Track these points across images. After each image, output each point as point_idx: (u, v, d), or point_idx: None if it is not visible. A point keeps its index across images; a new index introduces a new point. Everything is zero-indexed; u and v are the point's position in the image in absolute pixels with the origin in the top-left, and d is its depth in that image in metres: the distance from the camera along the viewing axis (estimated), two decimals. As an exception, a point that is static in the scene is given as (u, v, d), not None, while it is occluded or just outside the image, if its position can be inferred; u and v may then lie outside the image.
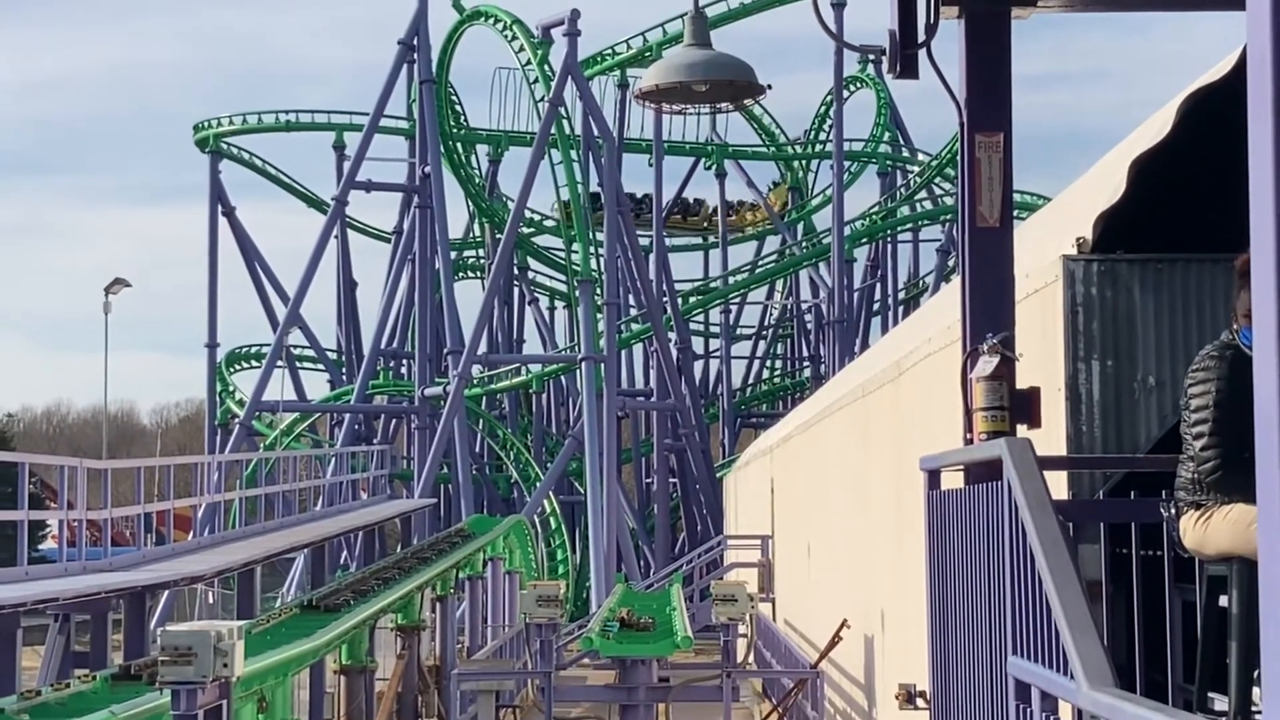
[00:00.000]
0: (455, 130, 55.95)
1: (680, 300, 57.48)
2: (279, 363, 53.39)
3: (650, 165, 58.48)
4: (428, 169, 52.40)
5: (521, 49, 51.78)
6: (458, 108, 56.98)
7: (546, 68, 50.54)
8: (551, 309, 64.03)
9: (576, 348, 50.29)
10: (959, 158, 7.45)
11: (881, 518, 14.99)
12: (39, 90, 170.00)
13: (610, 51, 55.90)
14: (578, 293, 48.94)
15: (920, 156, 62.61)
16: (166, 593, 41.19)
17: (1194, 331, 8.27)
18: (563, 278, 57.66)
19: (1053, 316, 8.51)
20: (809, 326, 64.79)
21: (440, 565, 26.15)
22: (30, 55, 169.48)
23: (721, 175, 63.48)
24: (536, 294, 63.03)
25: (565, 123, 49.93)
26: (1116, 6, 8.37)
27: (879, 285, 62.62)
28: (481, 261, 60.57)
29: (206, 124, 58.32)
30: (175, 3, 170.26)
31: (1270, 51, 2.35)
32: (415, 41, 53.12)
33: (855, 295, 60.19)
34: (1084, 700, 4.52)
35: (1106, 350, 8.38)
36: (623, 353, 55.61)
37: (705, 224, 65.69)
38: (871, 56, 56.83)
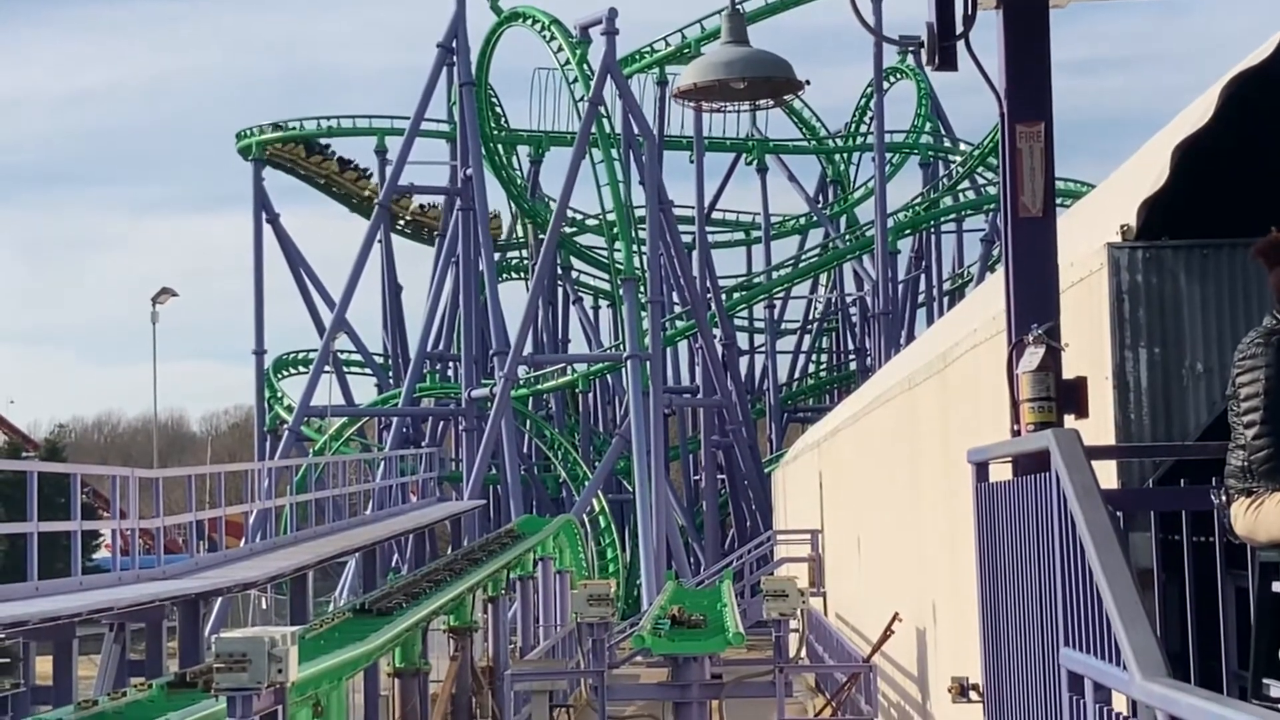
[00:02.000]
0: (496, 132, 56.05)
1: (724, 296, 57.43)
2: (326, 368, 53.59)
3: (691, 162, 58.48)
4: (469, 171, 52.52)
5: (560, 49, 51.83)
6: (498, 109, 57.10)
7: (585, 67, 50.57)
8: (596, 308, 64.07)
9: (621, 346, 50.31)
10: (1000, 148, 7.42)
11: (931, 510, 14.95)
12: (82, 101, 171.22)
13: (649, 49, 55.89)
14: (621, 291, 48.97)
15: (962, 146, 62.39)
16: (220, 599, 41.33)
17: (1241, 316, 8.22)
18: (606, 277, 57.72)
19: (1099, 305, 8.47)
20: (854, 319, 64.67)
21: (491, 566, 26.21)
22: (73, 66, 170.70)
23: (763, 171, 63.40)
24: (580, 293, 63.09)
25: (605, 122, 49.94)
26: (1155, -8, 8.32)
27: (923, 276, 62.45)
28: (525, 262, 60.67)
29: (249, 132, 58.62)
30: (215, 11, 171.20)
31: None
32: (454, 44, 53.23)
33: (900, 287, 60.04)
34: (1137, 691, 4.51)
35: (1154, 338, 8.34)
36: (668, 350, 55.59)
37: None
38: (911, 48, 56.96)
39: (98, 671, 17.74)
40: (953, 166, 62.32)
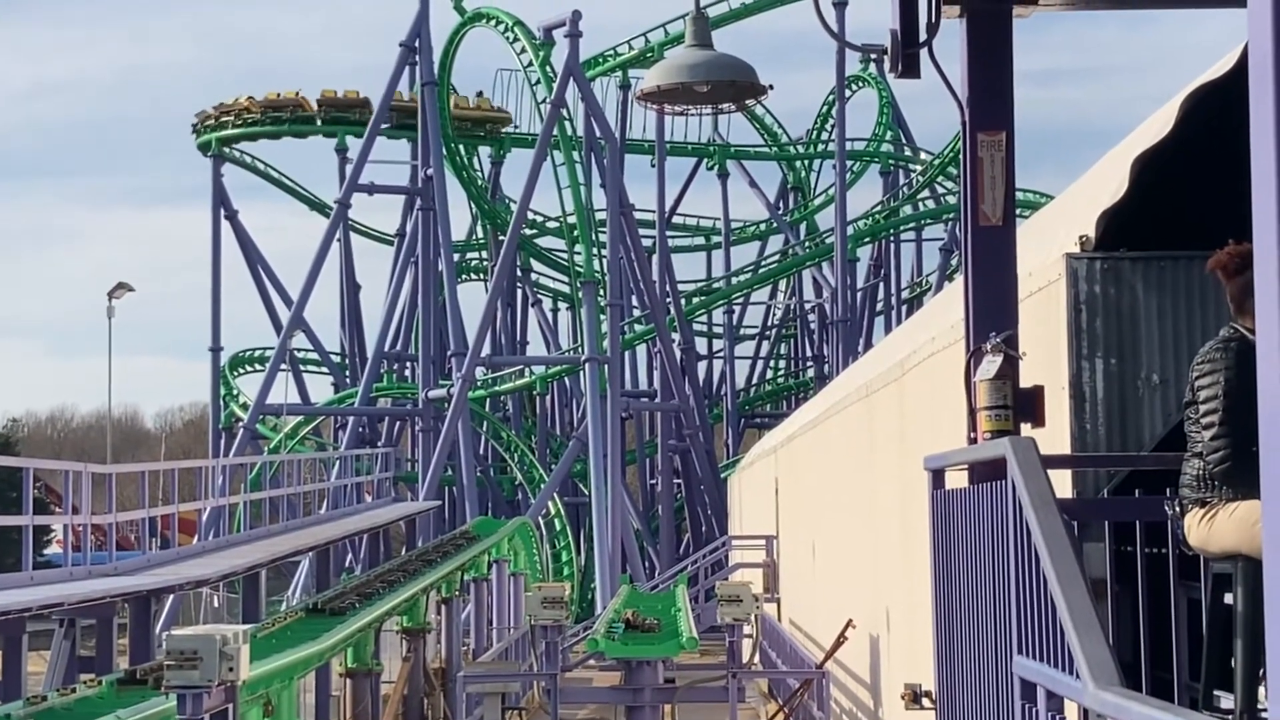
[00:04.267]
0: (457, 132, 55.95)
1: (683, 301, 57.45)
2: (283, 366, 53.39)
3: (653, 166, 58.48)
4: (430, 171, 52.42)
5: (523, 50, 51.77)
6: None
7: (548, 69, 50.53)
8: (555, 310, 64.00)
9: (580, 349, 50.25)
10: (961, 156, 7.44)
11: (886, 517, 14.98)
12: (43, 92, 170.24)
13: (612, 52, 55.89)
14: (581, 294, 48.92)
15: (923, 155, 62.57)
16: (172, 597, 41.12)
17: (1197, 329, 8.27)
18: (566, 279, 57.68)
19: (1056, 315, 8.51)
20: (812, 326, 64.76)
21: (445, 568, 26.14)
22: (34, 57, 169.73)
23: (724, 176, 63.46)
24: (540, 295, 63.00)
25: (567, 124, 49.91)
26: (1117, 4, 8.36)
27: (882, 285, 62.58)
28: (484, 263, 60.58)
29: (208, 127, 58.34)
30: (179, 4, 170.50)
31: (1271, 49, 2.35)
32: (417, 43, 53.11)
33: (858, 295, 60.14)
34: (1090, 699, 4.51)
35: (1110, 348, 8.37)
36: (626, 354, 55.57)
37: None
38: (873, 56, 57.07)
39: (47, 667, 17.61)
40: (913, 175, 62.52)
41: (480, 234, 61.32)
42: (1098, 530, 7.18)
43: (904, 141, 63.66)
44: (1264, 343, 2.44)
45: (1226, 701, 5.72)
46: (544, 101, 50.22)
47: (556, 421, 61.03)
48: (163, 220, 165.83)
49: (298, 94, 58.40)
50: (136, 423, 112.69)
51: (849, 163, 58.31)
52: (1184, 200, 8.99)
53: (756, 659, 23.46)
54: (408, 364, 58.73)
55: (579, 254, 49.79)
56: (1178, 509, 5.90)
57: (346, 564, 46.41)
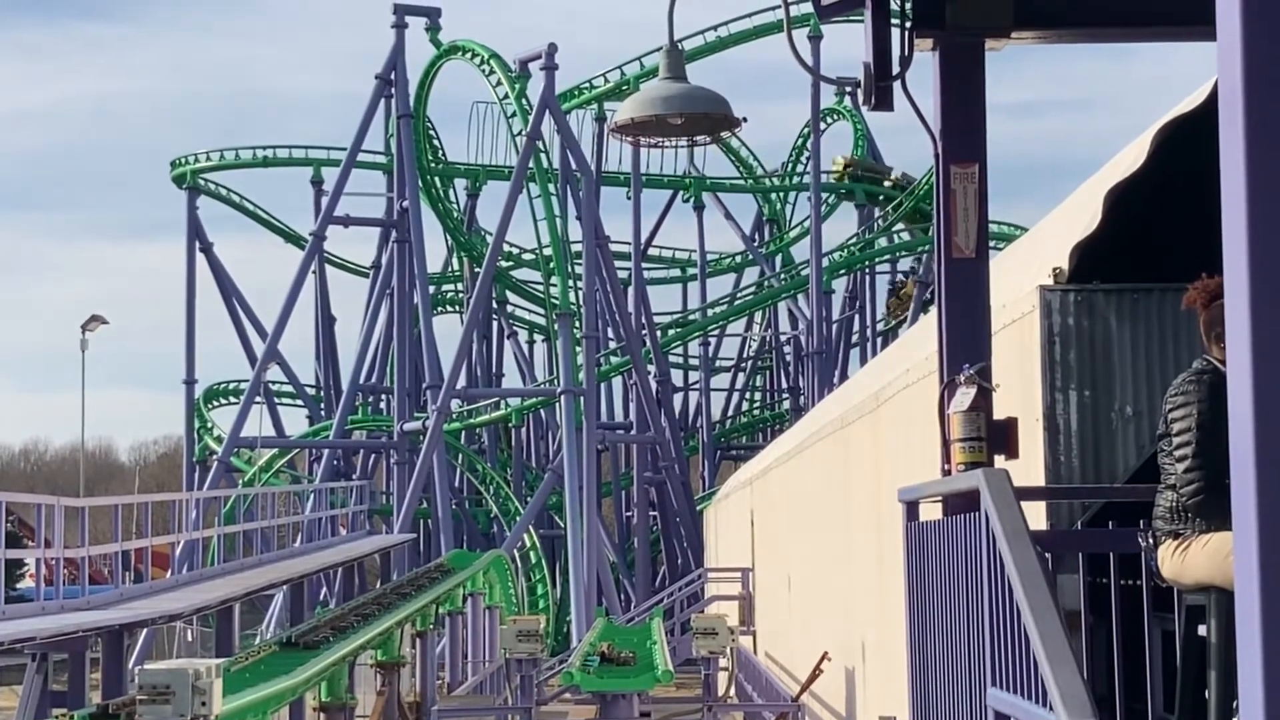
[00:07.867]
0: (433, 164, 55.97)
1: (659, 333, 57.45)
2: (257, 399, 53.25)
3: (628, 198, 58.54)
4: (406, 203, 52.40)
5: (499, 83, 51.83)
6: (436, 142, 57.02)
7: (524, 101, 50.59)
8: (531, 342, 63.98)
9: (556, 381, 50.22)
10: (934, 189, 7.45)
11: (862, 549, 14.97)
12: (16, 124, 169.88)
13: (588, 85, 55.98)
14: (557, 326, 48.90)
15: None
16: (145, 631, 40.85)
17: (1171, 361, 8.28)
18: (542, 311, 57.66)
19: (1030, 347, 8.52)
20: (788, 358, 64.80)
21: (420, 601, 26.05)
22: (9, 89, 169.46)
23: (699, 208, 63.55)
24: (515, 328, 62.98)
25: (543, 156, 49.95)
26: (1089, 38, 8.39)
27: (857, 316, 62.67)
28: (460, 296, 60.55)
29: (184, 160, 58.28)
30: (161, 35, 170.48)
31: (1241, 82, 2.35)
32: (393, 76, 53.17)
33: (834, 327, 60.21)
34: (1064, 732, 4.50)
35: (1084, 380, 8.39)
36: (602, 386, 55.50)
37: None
38: (848, 89, 57.15)
39: (19, 702, 17.49)
40: (887, 208, 62.68)
41: (456, 266, 61.32)
42: (1071, 562, 7.18)
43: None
44: (1235, 375, 2.44)
45: (1201, 733, 5.71)
46: (520, 134, 50.26)
47: (532, 454, 60.94)
48: (137, 252, 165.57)
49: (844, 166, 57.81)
50: (110, 456, 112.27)
51: (824, 195, 58.43)
52: (1157, 232, 9.02)
53: (732, 692, 23.40)
54: (383, 396, 58.63)
55: (555, 286, 49.77)
56: (1151, 541, 5.90)
57: (321, 597, 46.21)
